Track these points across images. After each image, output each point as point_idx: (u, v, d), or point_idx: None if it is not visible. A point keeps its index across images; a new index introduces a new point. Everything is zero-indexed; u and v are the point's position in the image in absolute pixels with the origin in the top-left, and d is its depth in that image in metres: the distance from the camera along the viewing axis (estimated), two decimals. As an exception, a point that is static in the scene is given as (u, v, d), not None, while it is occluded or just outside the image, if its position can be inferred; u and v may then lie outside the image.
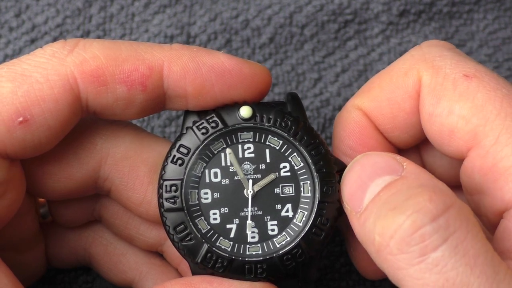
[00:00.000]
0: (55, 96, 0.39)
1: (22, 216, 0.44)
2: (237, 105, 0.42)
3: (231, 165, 0.42)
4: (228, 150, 0.41)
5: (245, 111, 0.42)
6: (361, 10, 0.59)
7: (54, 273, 0.52)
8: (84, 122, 0.44)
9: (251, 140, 0.42)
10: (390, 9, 0.59)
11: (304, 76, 0.58)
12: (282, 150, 0.42)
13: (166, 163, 0.41)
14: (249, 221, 0.41)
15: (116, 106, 0.41)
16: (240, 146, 0.42)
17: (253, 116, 0.42)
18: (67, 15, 0.58)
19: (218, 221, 0.41)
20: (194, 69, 0.41)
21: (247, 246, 0.41)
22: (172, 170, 0.41)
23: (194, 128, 0.42)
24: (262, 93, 0.42)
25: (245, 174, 0.42)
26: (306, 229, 0.41)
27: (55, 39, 0.57)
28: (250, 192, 0.41)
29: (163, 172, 0.41)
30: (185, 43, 0.58)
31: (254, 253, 0.41)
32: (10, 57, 0.57)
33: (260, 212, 0.41)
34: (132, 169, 0.44)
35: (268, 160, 0.42)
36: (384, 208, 0.36)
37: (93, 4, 0.59)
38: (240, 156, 0.42)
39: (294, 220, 0.41)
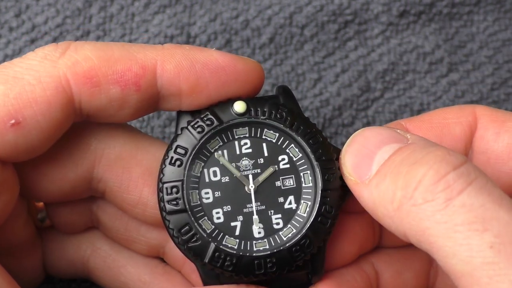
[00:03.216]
0: (47, 98, 0.39)
1: (14, 219, 0.44)
2: (230, 101, 0.41)
3: (230, 162, 0.41)
4: (216, 154, 0.41)
5: (239, 106, 0.41)
6: (361, 10, 0.59)
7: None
8: (78, 122, 0.44)
9: (247, 135, 0.42)
10: (390, 10, 0.59)
11: (304, 77, 0.58)
12: (279, 143, 0.42)
13: (164, 166, 0.41)
14: (255, 216, 0.41)
15: (110, 107, 0.40)
16: (236, 142, 0.41)
17: (247, 111, 0.41)
18: (67, 15, 0.58)
19: (222, 219, 0.41)
20: (188, 66, 0.40)
21: (254, 242, 0.41)
22: (171, 172, 0.40)
23: (190, 127, 0.41)
24: (256, 88, 0.42)
25: (244, 170, 0.41)
26: (312, 219, 0.40)
27: (55, 39, 0.57)
28: (252, 187, 0.41)
29: (162, 175, 0.40)
30: (185, 43, 0.58)
31: (261, 248, 0.40)
32: (10, 57, 0.57)
33: (263, 207, 0.41)
34: (126, 170, 0.43)
35: (266, 154, 0.41)
36: (403, 165, 0.36)
37: (93, 4, 0.59)
38: (238, 152, 0.41)
39: (298, 212, 0.41)
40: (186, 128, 0.41)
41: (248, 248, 0.40)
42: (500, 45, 0.60)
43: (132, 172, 0.43)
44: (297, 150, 0.41)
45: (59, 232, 0.48)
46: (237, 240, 0.41)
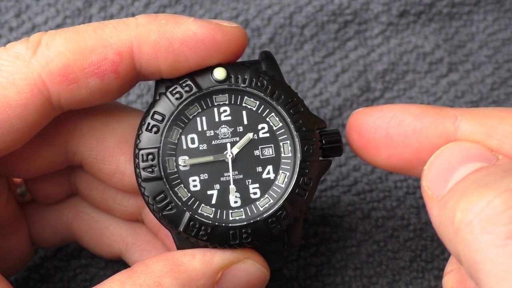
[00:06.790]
0: (22, 101, 0.38)
1: None
2: (210, 67, 0.41)
3: (208, 129, 0.41)
4: (181, 166, 0.41)
5: (219, 73, 0.41)
6: (361, 10, 0.59)
7: (52, 272, 0.52)
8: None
9: (227, 102, 0.41)
10: (390, 10, 0.59)
11: (304, 76, 0.58)
12: (259, 111, 0.41)
13: (140, 132, 0.40)
14: (232, 186, 0.41)
15: (92, 98, 0.40)
16: (215, 109, 0.41)
17: (227, 78, 0.41)
18: (67, 15, 0.58)
19: (198, 187, 0.40)
20: (165, 46, 0.39)
21: (230, 211, 0.40)
22: (148, 138, 0.40)
23: (168, 93, 0.41)
24: (237, 55, 0.41)
25: (222, 138, 0.41)
26: (289, 190, 0.40)
27: (55, 39, 0.58)
28: (230, 156, 0.41)
29: (138, 141, 0.40)
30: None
31: (237, 218, 0.40)
32: (10, 57, 0.57)
33: (241, 176, 0.41)
34: (100, 141, 0.43)
35: (245, 122, 0.41)
36: (472, 186, 0.32)
37: (93, 4, 0.59)
38: (217, 119, 0.41)
39: (276, 182, 0.41)
40: (164, 94, 0.41)
41: (224, 218, 0.40)
42: (500, 44, 0.60)
43: (106, 142, 0.43)
44: (277, 119, 0.41)
45: (40, 203, 0.48)
46: (213, 209, 0.40)
